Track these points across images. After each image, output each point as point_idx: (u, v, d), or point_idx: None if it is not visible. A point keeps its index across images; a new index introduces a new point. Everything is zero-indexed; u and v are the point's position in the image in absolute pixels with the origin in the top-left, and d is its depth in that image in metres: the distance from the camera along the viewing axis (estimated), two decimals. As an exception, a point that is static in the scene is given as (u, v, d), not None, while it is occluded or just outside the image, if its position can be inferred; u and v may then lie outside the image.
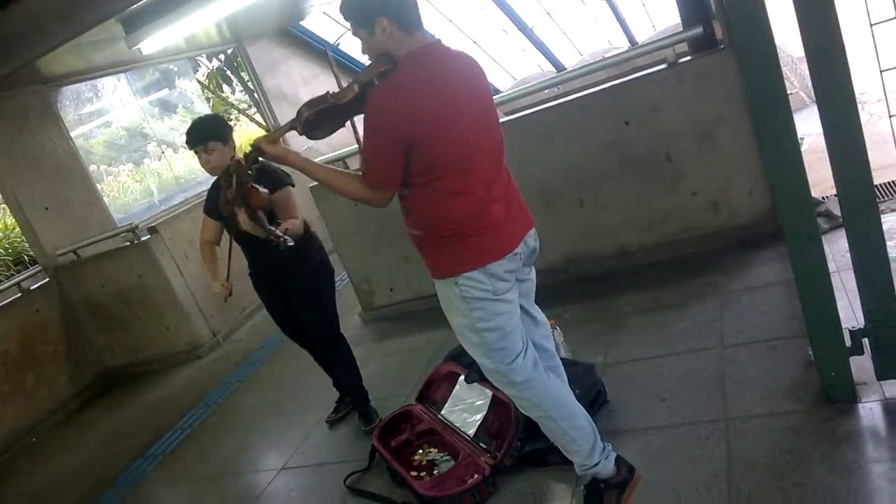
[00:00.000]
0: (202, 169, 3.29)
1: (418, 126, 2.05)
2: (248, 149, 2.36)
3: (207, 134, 3.15)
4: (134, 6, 4.42)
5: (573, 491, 2.53)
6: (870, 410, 2.37)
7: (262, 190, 2.78)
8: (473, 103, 2.18)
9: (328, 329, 3.51)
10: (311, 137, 2.32)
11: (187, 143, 3.23)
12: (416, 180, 2.15)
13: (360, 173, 2.20)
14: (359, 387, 3.63)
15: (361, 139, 2.19)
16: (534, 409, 2.33)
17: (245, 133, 14.14)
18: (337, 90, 2.28)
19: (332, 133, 2.38)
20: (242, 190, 2.77)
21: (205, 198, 3.52)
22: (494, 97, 2.58)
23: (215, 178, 3.29)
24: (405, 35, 2.10)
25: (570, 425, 2.31)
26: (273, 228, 2.75)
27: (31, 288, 5.84)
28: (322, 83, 8.88)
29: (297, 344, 3.71)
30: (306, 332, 3.55)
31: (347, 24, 2.23)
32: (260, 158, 2.41)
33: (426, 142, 2.07)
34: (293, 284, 3.40)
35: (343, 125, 2.41)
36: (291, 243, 2.70)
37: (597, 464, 2.31)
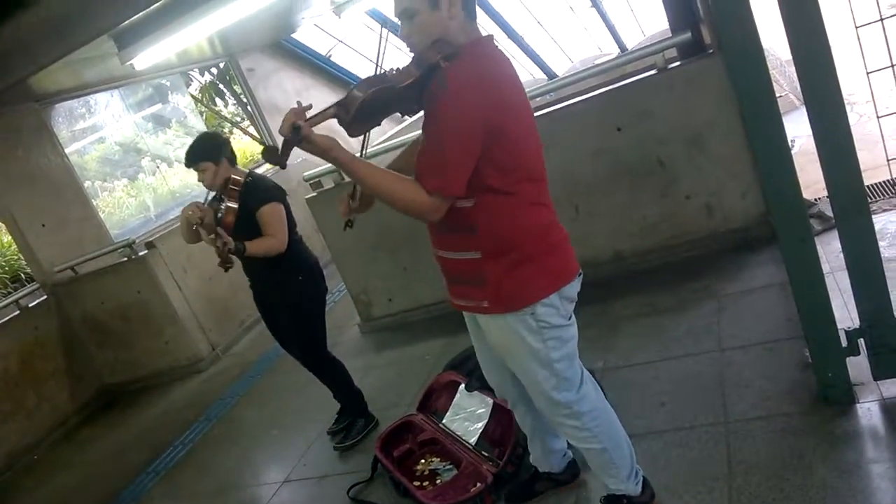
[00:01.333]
0: (197, 183, 3.32)
1: (506, 112, 1.78)
2: (287, 126, 1.80)
3: (197, 155, 3.22)
4: (125, 22, 4.44)
5: (576, 498, 2.55)
6: (868, 410, 2.39)
7: (233, 205, 3.00)
8: (527, 104, 1.95)
9: (310, 350, 3.53)
10: (349, 130, 1.88)
11: (186, 164, 3.29)
12: (493, 183, 1.83)
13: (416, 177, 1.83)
14: (348, 403, 3.65)
15: (427, 134, 1.84)
16: (592, 440, 2.14)
17: (238, 145, 14.14)
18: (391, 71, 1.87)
19: (369, 130, 1.99)
20: (225, 208, 2.85)
21: None
22: None
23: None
24: (468, 20, 1.86)
25: (619, 455, 2.18)
26: (224, 242, 2.88)
27: (30, 305, 5.84)
28: (314, 94, 8.92)
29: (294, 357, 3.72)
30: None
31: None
32: (295, 147, 1.86)
33: (516, 133, 1.81)
34: (274, 307, 3.46)
35: (379, 122, 1.96)
36: (230, 265, 2.87)
37: (629, 489, 2.24)
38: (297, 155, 2.17)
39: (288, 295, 3.37)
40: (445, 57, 1.78)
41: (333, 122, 1.85)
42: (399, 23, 1.87)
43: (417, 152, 1.87)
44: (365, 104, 1.80)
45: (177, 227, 6.28)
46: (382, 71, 1.86)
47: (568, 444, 2.50)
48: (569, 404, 2.09)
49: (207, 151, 3.23)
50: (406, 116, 1.97)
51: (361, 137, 2.05)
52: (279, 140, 1.83)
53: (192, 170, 3.25)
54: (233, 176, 3.21)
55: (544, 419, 2.31)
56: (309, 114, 1.79)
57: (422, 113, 1.95)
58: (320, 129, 1.81)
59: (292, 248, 3.30)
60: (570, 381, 2.08)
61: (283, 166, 1.93)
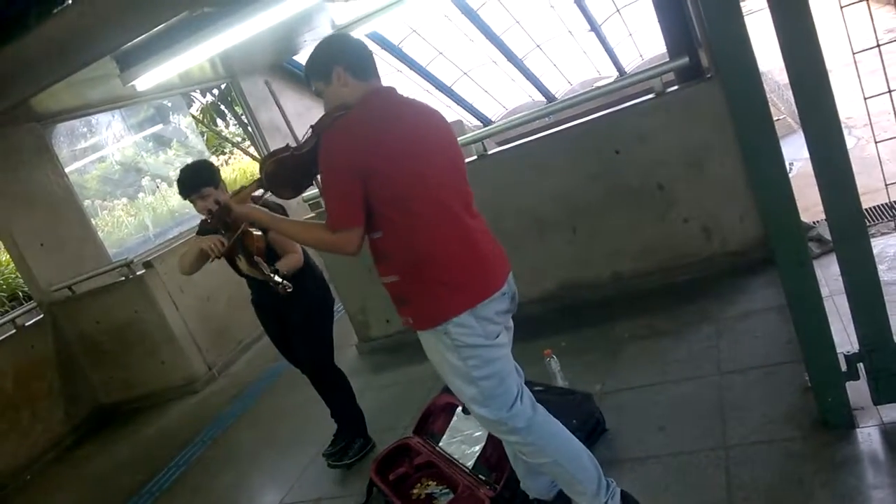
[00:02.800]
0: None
1: (373, 153, 2.03)
2: (215, 208, 2.40)
3: (199, 181, 3.18)
4: (128, 44, 4.47)
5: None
6: (868, 435, 2.37)
7: (257, 232, 2.85)
8: (434, 140, 2.18)
9: (320, 361, 3.52)
10: (278, 195, 2.30)
11: (181, 194, 3.25)
12: (387, 214, 2.08)
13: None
14: (350, 421, 3.63)
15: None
16: (539, 454, 2.22)
17: (240, 165, 14.20)
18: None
19: (299, 191, 2.37)
20: (239, 234, 2.81)
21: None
22: (486, 128, 2.62)
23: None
24: (360, 82, 2.18)
25: (576, 467, 2.21)
26: (271, 275, 2.82)
27: (26, 324, 5.81)
28: (315, 115, 8.93)
29: (300, 371, 3.70)
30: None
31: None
32: (227, 219, 2.48)
33: (385, 168, 2.03)
34: (289, 316, 3.43)
35: (310, 182, 2.36)
36: (290, 289, 2.78)
37: (605, 503, 2.24)
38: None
39: (301, 304, 3.36)
40: (335, 119, 2.14)
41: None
42: None
43: None
44: (270, 174, 2.23)
45: (175, 247, 6.31)
46: (287, 143, 2.28)
47: None
48: (501, 421, 2.17)
49: (207, 176, 3.22)
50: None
51: None
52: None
53: (190, 200, 3.21)
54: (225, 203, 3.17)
55: None
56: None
57: None
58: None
59: (306, 260, 3.36)
60: (500, 398, 2.16)
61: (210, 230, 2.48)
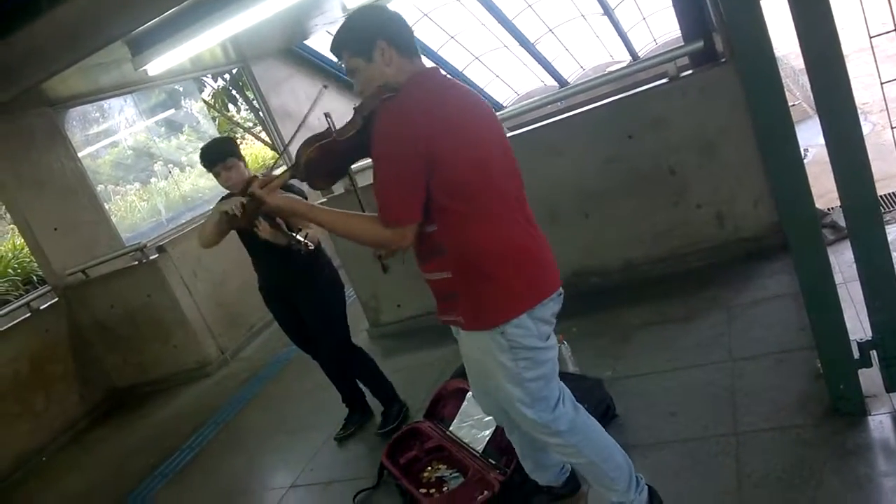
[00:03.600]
0: (209, 187, 3.35)
1: (439, 138, 1.83)
2: (245, 199, 2.10)
3: (226, 151, 3.24)
4: (139, 28, 4.48)
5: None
6: (880, 423, 2.36)
7: None
8: (489, 127, 2.01)
9: (339, 341, 3.56)
10: (312, 184, 2.07)
11: (206, 163, 3.28)
12: (449, 205, 1.89)
13: (377, 214, 1.93)
14: (382, 390, 3.69)
15: (374, 173, 1.94)
16: (577, 455, 2.15)
17: (251, 150, 14.23)
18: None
19: (334, 180, 2.14)
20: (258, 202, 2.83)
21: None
22: (498, 113, 2.53)
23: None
24: (404, 59, 1.96)
25: (611, 466, 2.17)
26: (293, 234, 2.81)
27: (41, 308, 5.87)
28: (326, 100, 8.91)
29: (310, 356, 3.74)
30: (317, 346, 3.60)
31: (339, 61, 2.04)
32: (260, 210, 2.14)
33: (451, 155, 1.85)
34: (304, 298, 3.45)
35: (345, 172, 2.15)
36: (312, 247, 2.78)
37: (632, 500, 2.21)
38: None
39: (316, 284, 3.42)
40: (385, 101, 1.91)
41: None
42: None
43: None
44: (312, 161, 1.99)
45: (188, 231, 6.34)
46: (327, 127, 2.03)
47: None
48: (546, 424, 2.09)
49: (234, 148, 3.29)
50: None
51: (355, 193, 2.24)
52: (291, 149, 1.99)
53: (214, 171, 3.24)
54: (259, 176, 3.19)
55: (530, 436, 2.31)
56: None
57: None
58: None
59: (318, 244, 3.35)
60: (546, 400, 2.08)
61: (251, 230, 2.26)
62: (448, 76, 2.05)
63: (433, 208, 1.91)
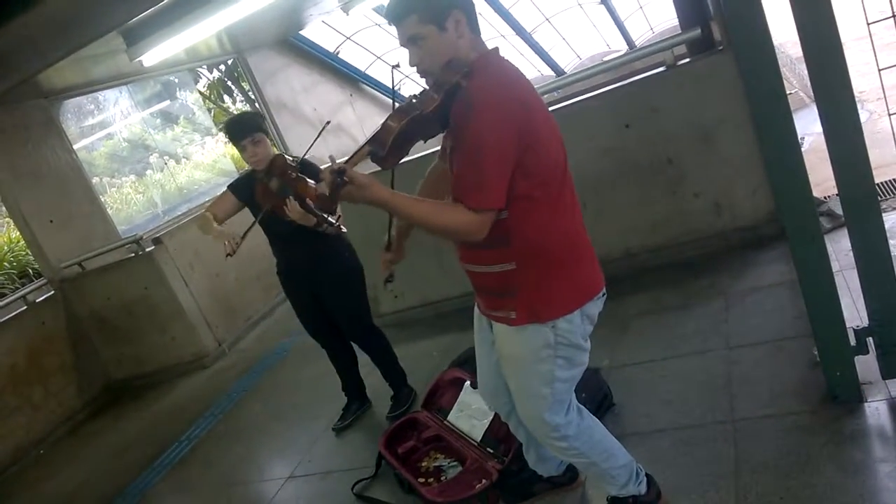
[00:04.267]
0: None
1: (531, 120, 1.77)
2: (330, 173, 1.78)
3: (255, 125, 3.23)
4: (134, 19, 4.45)
5: (578, 500, 2.54)
6: (876, 410, 2.37)
7: (311, 182, 2.87)
8: (548, 111, 1.94)
9: (360, 321, 3.61)
10: (382, 163, 1.84)
11: (234, 136, 3.26)
12: (529, 192, 1.81)
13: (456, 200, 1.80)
14: (394, 373, 3.73)
15: (460, 154, 1.82)
16: (580, 457, 2.16)
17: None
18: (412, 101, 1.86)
19: (398, 161, 1.90)
20: (288, 181, 2.81)
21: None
22: None
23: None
24: (475, 35, 1.86)
25: (612, 464, 2.18)
26: (325, 215, 2.81)
27: (37, 301, 5.85)
28: (322, 91, 8.92)
29: (320, 344, 3.76)
30: (335, 330, 3.64)
31: (393, 29, 1.86)
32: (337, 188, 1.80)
33: (542, 139, 1.79)
34: (326, 281, 3.46)
35: (408, 151, 1.92)
36: (344, 230, 2.78)
37: (631, 493, 2.23)
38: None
39: (336, 267, 3.44)
40: (464, 76, 1.79)
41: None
42: (407, 50, 1.87)
43: (452, 176, 1.86)
44: (399, 136, 1.79)
45: (184, 223, 6.32)
46: (406, 100, 1.85)
47: None
48: (556, 427, 2.08)
49: (262, 123, 3.29)
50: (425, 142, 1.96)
51: (390, 174, 2.04)
52: (287, 140, 1.90)
53: (241, 144, 3.23)
54: (286, 156, 3.22)
55: None
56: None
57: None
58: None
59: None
60: (563, 403, 2.07)
61: (334, 211, 1.88)
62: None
63: (509, 194, 1.79)
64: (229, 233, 3.19)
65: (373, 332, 3.69)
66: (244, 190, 3.40)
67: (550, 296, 1.91)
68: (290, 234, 3.27)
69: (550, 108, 4.18)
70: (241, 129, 3.22)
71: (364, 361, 3.78)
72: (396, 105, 1.87)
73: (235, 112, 13.22)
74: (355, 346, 3.77)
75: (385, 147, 1.79)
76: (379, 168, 1.88)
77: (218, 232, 3.24)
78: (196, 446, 4.40)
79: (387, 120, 1.81)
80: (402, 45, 1.88)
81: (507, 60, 1.90)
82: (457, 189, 1.81)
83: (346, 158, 1.83)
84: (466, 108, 1.76)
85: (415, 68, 1.88)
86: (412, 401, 3.69)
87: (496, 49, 1.91)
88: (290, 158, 3.23)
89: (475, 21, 1.87)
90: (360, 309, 3.60)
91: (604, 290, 2.03)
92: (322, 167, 1.78)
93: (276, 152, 3.31)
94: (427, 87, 1.89)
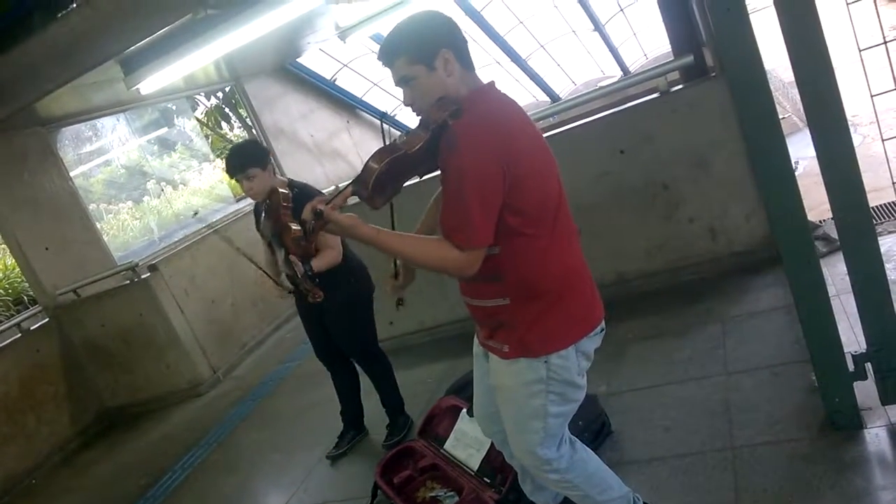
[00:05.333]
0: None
1: (516, 155, 1.77)
2: (309, 211, 1.85)
3: (246, 161, 3.18)
4: (132, 48, 4.48)
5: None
6: (876, 436, 2.35)
7: (296, 227, 2.75)
8: (542, 141, 1.95)
9: (362, 347, 3.58)
10: (370, 202, 1.86)
11: (228, 172, 3.27)
12: (519, 228, 1.82)
13: (444, 237, 1.83)
14: (393, 399, 3.70)
15: (445, 192, 1.84)
16: (574, 489, 2.12)
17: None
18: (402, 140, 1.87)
19: (390, 198, 1.94)
20: (278, 226, 2.78)
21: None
22: None
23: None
24: (466, 72, 1.87)
25: (608, 498, 2.15)
26: (303, 279, 2.81)
27: (32, 328, 5.82)
28: (319, 118, 8.97)
29: (324, 364, 3.73)
30: (339, 354, 3.61)
31: (386, 69, 1.88)
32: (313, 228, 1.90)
33: (527, 173, 1.79)
34: (328, 308, 3.40)
35: (400, 188, 1.95)
36: (321, 299, 2.78)
37: None
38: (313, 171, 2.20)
39: (345, 295, 3.38)
40: (452, 114, 1.80)
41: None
42: (401, 90, 1.89)
43: (440, 212, 1.86)
44: (381, 176, 1.81)
45: (180, 249, 6.31)
46: (393, 140, 1.87)
47: None
48: (548, 461, 2.05)
49: (256, 156, 3.21)
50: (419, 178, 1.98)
51: (389, 208, 2.05)
52: (284, 166, 1.91)
53: (236, 179, 3.23)
54: (281, 190, 3.13)
55: None
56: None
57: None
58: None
59: (343, 251, 3.32)
60: (555, 438, 2.05)
61: (312, 253, 2.14)
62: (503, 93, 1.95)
63: (499, 231, 1.80)
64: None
65: (376, 357, 3.66)
66: (258, 220, 3.42)
67: (544, 331, 1.90)
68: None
69: (545, 135, 4.23)
70: (232, 167, 3.19)
71: (366, 386, 3.74)
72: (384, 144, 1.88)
73: (233, 139, 13.29)
74: (359, 371, 3.73)
75: (367, 187, 1.81)
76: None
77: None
78: (190, 476, 4.35)
79: (369, 160, 1.83)
80: (396, 86, 1.90)
81: (500, 94, 1.91)
82: (443, 227, 1.83)
83: (329, 198, 1.86)
84: (451, 146, 1.77)
85: (409, 107, 1.90)
86: (408, 429, 3.65)
87: (491, 83, 1.91)
88: (286, 192, 3.14)
89: (466, 57, 1.87)
90: (364, 334, 3.58)
91: (602, 325, 2.01)
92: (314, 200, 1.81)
93: (280, 181, 3.25)
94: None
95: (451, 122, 1.80)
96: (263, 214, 3.21)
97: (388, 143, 1.88)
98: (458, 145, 1.75)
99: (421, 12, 1.87)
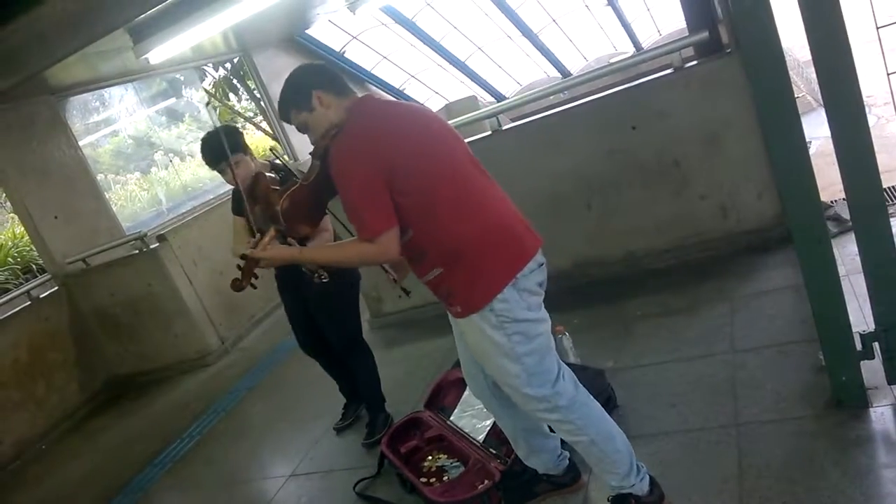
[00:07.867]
0: (209, 177, 3.34)
1: (389, 149, 2.03)
2: (240, 266, 2.43)
3: (218, 156, 3.05)
4: (141, 16, 4.45)
5: (581, 501, 2.53)
6: (881, 415, 2.36)
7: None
8: (432, 122, 2.19)
9: (346, 335, 3.50)
10: (296, 234, 2.30)
11: (209, 163, 3.16)
12: (414, 209, 2.06)
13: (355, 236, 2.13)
14: (374, 395, 3.62)
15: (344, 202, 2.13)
16: (578, 433, 2.20)
17: (251, 140, 14.18)
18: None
19: (315, 223, 2.35)
20: (270, 211, 2.77)
21: (229, 201, 3.49)
22: (501, 103, 2.62)
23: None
24: (341, 98, 2.19)
25: (611, 448, 2.21)
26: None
27: (41, 296, 5.86)
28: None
29: (310, 356, 3.70)
30: (324, 341, 3.54)
31: (291, 125, 2.28)
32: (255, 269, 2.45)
33: (404, 161, 2.04)
34: (311, 294, 3.37)
35: (322, 213, 2.37)
36: (325, 279, 2.79)
37: (633, 485, 2.23)
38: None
39: (329, 282, 3.34)
40: (332, 138, 2.13)
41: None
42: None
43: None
44: (288, 211, 2.20)
45: (189, 220, 6.33)
46: (294, 179, 2.28)
47: (562, 442, 2.50)
48: (544, 398, 2.17)
49: (236, 142, 3.10)
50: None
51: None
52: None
53: (219, 170, 3.14)
54: (268, 174, 3.01)
55: (522, 418, 2.41)
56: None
57: None
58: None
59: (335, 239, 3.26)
60: (542, 375, 2.16)
61: (241, 289, 2.46)
62: (382, 96, 2.17)
63: (403, 215, 2.05)
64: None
65: (359, 347, 3.57)
66: (239, 205, 3.28)
67: (480, 284, 2.09)
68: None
69: (556, 110, 4.22)
70: (217, 155, 3.06)
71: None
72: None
73: (241, 110, 13.23)
74: None
75: (282, 223, 2.21)
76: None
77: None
78: (198, 443, 4.41)
79: (276, 202, 2.23)
80: (299, 132, 2.30)
81: (372, 104, 2.20)
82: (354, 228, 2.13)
83: (256, 243, 2.34)
84: (331, 163, 2.09)
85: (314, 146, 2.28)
86: (388, 428, 3.52)
87: (365, 96, 2.24)
88: (273, 175, 3.03)
89: (339, 85, 2.22)
90: (347, 322, 3.50)
91: (539, 259, 2.18)
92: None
93: (262, 164, 3.17)
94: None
95: (330, 145, 2.11)
96: (247, 200, 2.94)
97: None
98: (334, 160, 2.07)
99: (291, 72, 2.26)
